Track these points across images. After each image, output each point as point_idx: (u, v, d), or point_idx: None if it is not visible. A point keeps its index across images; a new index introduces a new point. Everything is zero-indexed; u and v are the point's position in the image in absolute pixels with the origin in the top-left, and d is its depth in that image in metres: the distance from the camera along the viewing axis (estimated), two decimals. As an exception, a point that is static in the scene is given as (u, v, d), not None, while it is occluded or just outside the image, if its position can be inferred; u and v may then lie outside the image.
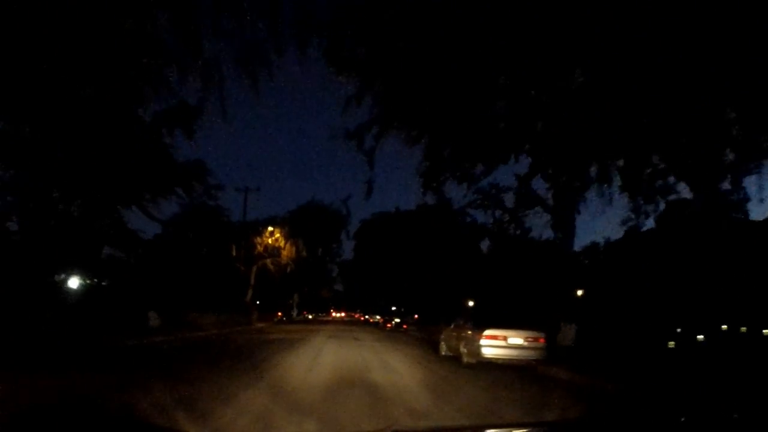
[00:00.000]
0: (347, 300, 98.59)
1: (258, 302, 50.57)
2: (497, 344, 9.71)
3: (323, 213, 36.18)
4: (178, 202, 21.37)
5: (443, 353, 12.44)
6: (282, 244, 37.14)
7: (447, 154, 16.25)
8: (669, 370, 10.45)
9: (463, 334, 10.83)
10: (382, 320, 44.98)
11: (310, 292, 72.17)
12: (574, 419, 4.63)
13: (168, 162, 17.71)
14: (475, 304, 27.34)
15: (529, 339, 9.98)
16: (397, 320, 30.36)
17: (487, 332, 9.81)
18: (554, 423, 3.82)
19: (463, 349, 10.47)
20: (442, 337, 12.72)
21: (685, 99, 10.37)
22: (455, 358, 11.20)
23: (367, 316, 65.47)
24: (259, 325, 36.54)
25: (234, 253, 36.79)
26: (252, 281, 37.22)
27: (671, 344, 17.20)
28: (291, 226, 36.12)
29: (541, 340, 10.12)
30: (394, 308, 68.30)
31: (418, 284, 47.21)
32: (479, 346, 9.75)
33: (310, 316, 73.00)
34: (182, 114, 16.37)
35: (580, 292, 26.09)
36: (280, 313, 47.93)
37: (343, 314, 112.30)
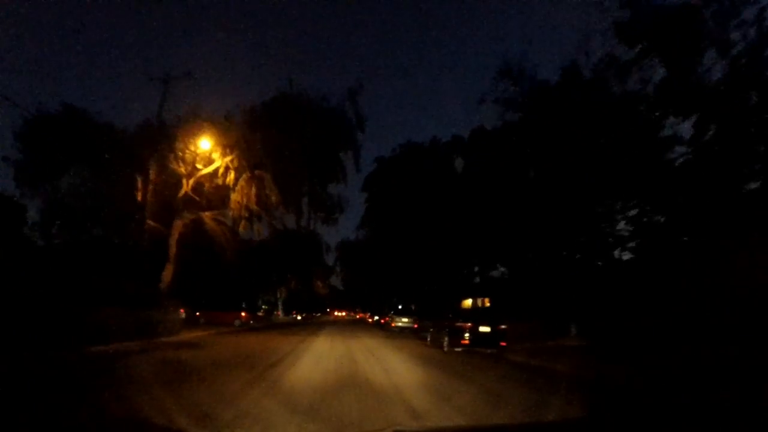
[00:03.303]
0: (347, 296, 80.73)
1: (216, 296, 32.82)
2: None
3: (310, 115, 18.23)
4: None
5: None
6: (230, 178, 19.27)
7: None
8: None
9: None
10: (417, 325, 27.25)
11: (298, 284, 54.15)
12: (575, 419, 4.25)
13: None
14: None
15: None
16: (485, 328, 12.43)
17: None
18: (554, 423, 3.54)
19: None
20: None
21: None
22: None
23: (378, 317, 47.57)
24: (188, 335, 18.81)
25: (140, 196, 18.97)
26: (172, 249, 19.37)
27: None
28: (248, 140, 18.27)
29: None
30: (400, 306, 50.62)
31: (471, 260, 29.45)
32: None
33: (299, 317, 55.24)
34: None
35: None
36: (245, 314, 30.05)
37: (343, 313, 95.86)
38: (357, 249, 46.71)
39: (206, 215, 20.19)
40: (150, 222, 19.16)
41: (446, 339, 13.04)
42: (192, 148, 17.88)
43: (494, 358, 11.92)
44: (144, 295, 17.81)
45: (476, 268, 28.00)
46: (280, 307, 57.75)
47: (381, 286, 48.13)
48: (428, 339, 15.43)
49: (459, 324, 12.78)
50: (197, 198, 19.43)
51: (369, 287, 51.29)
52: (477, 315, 13.47)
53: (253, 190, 19.34)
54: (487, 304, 40.20)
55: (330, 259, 56.00)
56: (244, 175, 19.35)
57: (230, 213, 19.40)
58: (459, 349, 12.77)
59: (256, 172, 19.54)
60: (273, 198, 19.63)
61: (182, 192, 19.25)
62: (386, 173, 27.46)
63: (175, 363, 10.00)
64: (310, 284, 57.64)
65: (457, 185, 26.08)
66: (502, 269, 27.04)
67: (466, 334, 12.48)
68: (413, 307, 45.19)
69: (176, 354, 11.62)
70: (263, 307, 57.10)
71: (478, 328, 12.58)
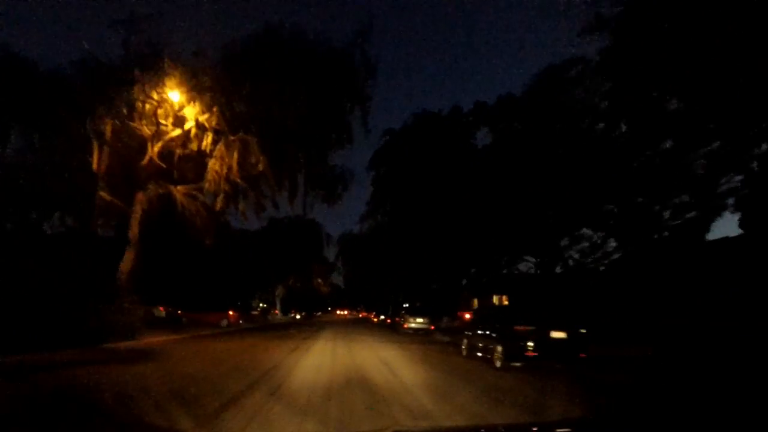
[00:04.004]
0: (349, 295, 76.87)
1: (196, 292, 28.97)
2: None
3: (306, 59, 14.36)
4: None
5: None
6: (207, 142, 15.32)
7: None
8: None
9: None
10: (434, 326, 23.25)
11: (297, 281, 50.26)
12: (575, 420, 4.16)
13: None
14: None
15: None
16: (558, 333, 8.52)
17: None
18: (554, 424, 3.39)
19: None
20: None
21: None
22: None
23: (383, 316, 43.62)
24: (152, 339, 14.96)
25: (95, 164, 15.05)
26: (134, 231, 15.44)
27: None
28: (227, 92, 14.37)
29: None
30: (406, 304, 46.60)
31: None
32: None
33: (298, 317, 51.34)
34: None
35: None
36: (233, 313, 26.24)
37: (345, 312, 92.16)
38: (360, 242, 42.75)
39: (178, 190, 16.26)
40: (104, 195, 15.25)
41: (499, 349, 9.04)
42: (155, 96, 13.91)
43: (580, 379, 7.93)
44: (92, 290, 13.95)
45: (504, 260, 23.96)
46: (278, 306, 53.80)
47: (386, 282, 44.16)
48: (464, 347, 11.44)
49: (519, 328, 8.78)
50: (164, 165, 15.50)
51: (373, 284, 47.30)
52: (543, 315, 9.49)
53: (235, 157, 15.37)
54: (505, 302, 36.21)
55: (331, 255, 52.22)
56: (223, 138, 15.40)
57: (206, 186, 15.42)
58: (519, 364, 8.79)
59: (239, 134, 15.59)
60: (260, 167, 15.66)
61: (146, 158, 15.31)
62: (397, 149, 23.50)
63: (77, 391, 6.10)
64: (309, 281, 53.75)
65: (480, 162, 22.13)
66: (532, 262, 23.01)
67: (530, 343, 8.50)
68: (418, 305, 41.15)
69: (104, 372, 7.72)
70: (261, 306, 53.23)
71: (548, 334, 8.61)
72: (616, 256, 15.93)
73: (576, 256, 22.60)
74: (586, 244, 22.42)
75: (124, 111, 14.35)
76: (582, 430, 2.37)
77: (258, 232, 35.77)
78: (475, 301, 44.00)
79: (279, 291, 52.47)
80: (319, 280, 58.37)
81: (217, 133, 15.47)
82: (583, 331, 8.84)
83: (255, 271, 37.01)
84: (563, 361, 8.65)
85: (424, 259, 28.95)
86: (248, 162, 15.90)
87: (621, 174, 12.50)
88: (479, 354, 10.19)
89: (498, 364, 9.03)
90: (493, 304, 28.09)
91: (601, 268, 19.96)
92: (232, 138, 15.55)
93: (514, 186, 20.60)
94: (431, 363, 10.00)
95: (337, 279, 66.17)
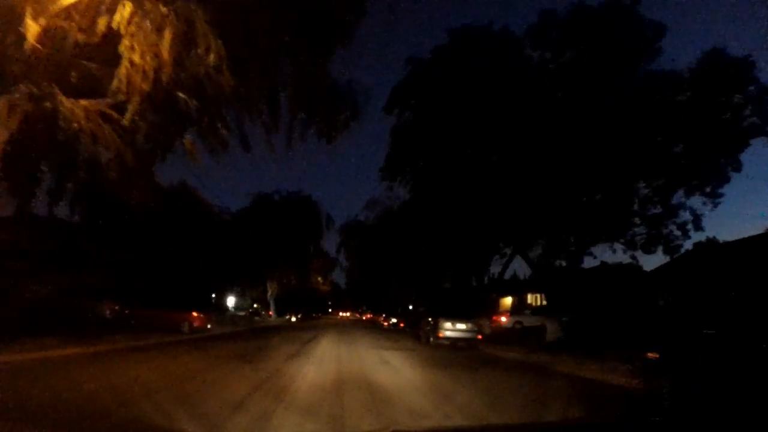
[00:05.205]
0: (351, 294, 70.31)
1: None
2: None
3: None
4: None
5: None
6: (122, 16, 8.72)
7: None
8: None
9: None
10: (481, 336, 17.03)
11: (292, 275, 43.51)
12: (575, 420, 4.20)
13: None
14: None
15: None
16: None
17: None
18: (553, 424, 3.38)
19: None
20: None
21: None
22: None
23: (395, 320, 37.04)
24: (24, 356, 8.45)
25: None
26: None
27: None
28: None
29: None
30: (411, 307, 40.17)
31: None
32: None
33: (293, 319, 44.68)
34: None
35: None
36: (197, 314, 19.77)
37: (347, 314, 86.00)
38: (367, 231, 36.21)
39: (78, 104, 9.69)
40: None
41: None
42: None
43: None
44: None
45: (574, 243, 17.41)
46: (272, 306, 47.13)
47: (397, 279, 37.54)
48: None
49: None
50: (44, 50, 8.97)
51: (381, 281, 40.61)
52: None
53: (168, 39, 8.83)
54: (544, 303, 29.78)
55: (332, 246, 45.65)
56: (148, 6, 8.84)
57: (115, 86, 8.86)
58: None
59: (177, 3, 9.07)
60: (211, 59, 9.11)
61: (21, 43, 8.79)
62: (426, 83, 16.91)
63: None
64: (307, 277, 47.04)
65: (544, 99, 15.61)
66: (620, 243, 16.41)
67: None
68: (424, 305, 34.79)
69: None
70: (255, 306, 46.65)
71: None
72: None
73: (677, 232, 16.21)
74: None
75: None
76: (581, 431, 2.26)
77: (243, 212, 29.25)
78: (503, 301, 37.45)
79: (272, 289, 45.86)
80: (319, 278, 51.81)
81: (139, 1, 8.92)
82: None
83: (240, 262, 30.22)
84: None
85: (450, 246, 22.40)
86: (193, 52, 9.37)
87: None
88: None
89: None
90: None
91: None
92: (164, 10, 9.01)
93: (593, 135, 14.13)
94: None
95: (338, 278, 59.91)
